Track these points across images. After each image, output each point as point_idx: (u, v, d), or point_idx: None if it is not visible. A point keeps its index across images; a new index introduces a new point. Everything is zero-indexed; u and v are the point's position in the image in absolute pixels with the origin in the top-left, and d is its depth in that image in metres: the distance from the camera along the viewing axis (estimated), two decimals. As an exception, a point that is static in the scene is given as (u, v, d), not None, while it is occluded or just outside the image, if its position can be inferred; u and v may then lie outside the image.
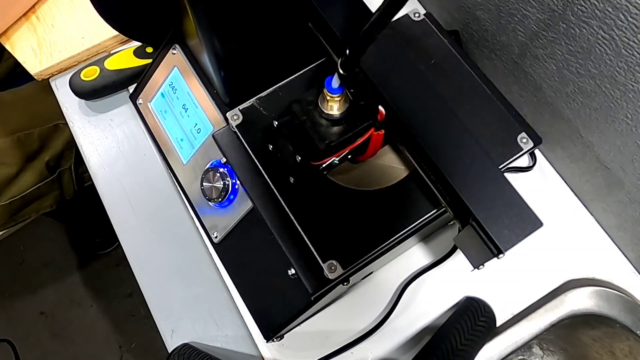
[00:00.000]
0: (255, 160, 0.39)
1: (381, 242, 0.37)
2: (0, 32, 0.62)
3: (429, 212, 0.38)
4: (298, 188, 0.38)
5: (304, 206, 0.38)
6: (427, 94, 0.35)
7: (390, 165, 0.40)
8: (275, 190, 0.38)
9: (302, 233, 0.37)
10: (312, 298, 0.38)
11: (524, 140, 0.41)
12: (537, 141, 0.41)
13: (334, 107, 0.34)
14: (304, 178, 0.38)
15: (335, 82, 0.32)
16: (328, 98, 0.33)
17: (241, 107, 0.41)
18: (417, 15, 0.46)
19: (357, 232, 0.38)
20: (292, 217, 0.37)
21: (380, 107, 0.34)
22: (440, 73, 0.44)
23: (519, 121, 0.42)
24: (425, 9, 0.62)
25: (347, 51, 0.28)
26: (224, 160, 0.42)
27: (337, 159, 0.36)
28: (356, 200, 0.39)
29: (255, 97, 0.41)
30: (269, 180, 0.39)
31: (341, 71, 0.30)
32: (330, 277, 0.36)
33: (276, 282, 0.43)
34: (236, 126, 0.40)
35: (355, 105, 0.34)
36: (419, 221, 0.38)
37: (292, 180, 0.38)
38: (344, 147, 0.35)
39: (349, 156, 0.37)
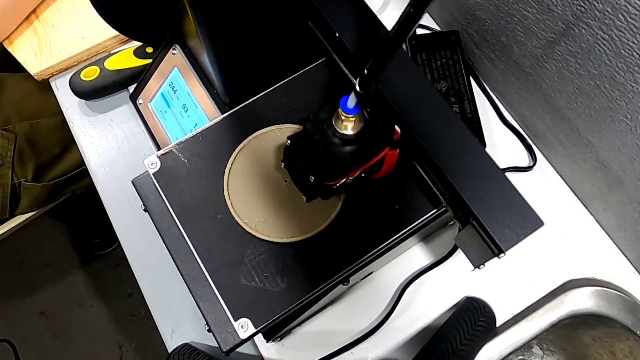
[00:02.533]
0: (171, 210, 0.38)
1: (295, 300, 0.36)
2: (4, 36, 0.62)
3: (429, 212, 0.38)
4: (211, 238, 0.38)
5: (219, 259, 0.37)
6: (428, 95, 0.35)
7: (313, 211, 0.39)
8: (189, 242, 0.38)
9: (215, 288, 0.36)
10: (224, 354, 0.37)
11: None
12: None
13: (348, 127, 0.32)
14: (197, 224, 0.38)
15: (352, 102, 0.30)
16: (343, 118, 0.31)
17: (159, 153, 0.40)
18: None
19: (273, 288, 0.37)
20: (205, 271, 0.37)
21: (396, 127, 0.33)
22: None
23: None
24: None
25: (365, 70, 0.27)
26: (143, 207, 0.41)
27: (351, 178, 0.35)
28: (271, 253, 0.38)
29: (175, 143, 0.40)
30: (182, 230, 0.38)
31: (359, 90, 0.29)
32: (241, 337, 0.35)
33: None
34: (153, 174, 0.39)
35: (371, 124, 0.33)
36: (419, 221, 0.38)
37: (304, 199, 0.37)
38: (358, 167, 0.34)
39: (363, 175, 0.36)
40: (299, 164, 0.36)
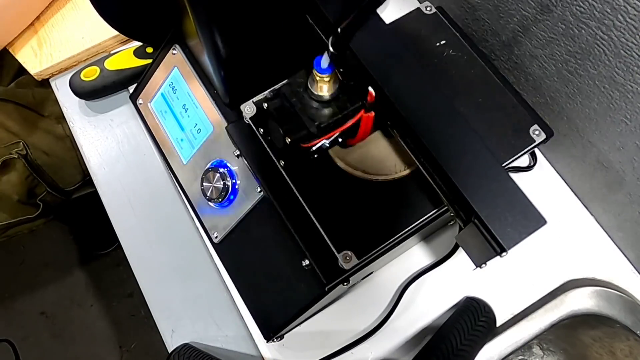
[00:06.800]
0: (269, 152, 0.40)
1: (394, 233, 0.38)
2: (5, 43, 0.62)
3: (430, 212, 0.38)
4: (310, 178, 0.39)
5: (317, 197, 0.38)
6: (423, 82, 0.34)
7: (400, 156, 0.41)
8: (289, 181, 0.39)
9: (317, 223, 0.37)
10: (326, 288, 0.38)
11: (537, 132, 0.42)
12: (549, 133, 0.41)
13: (323, 88, 0.34)
14: (294, 162, 0.39)
15: (325, 62, 0.32)
16: (317, 79, 0.33)
17: (255, 99, 0.41)
18: (428, 8, 0.47)
19: (371, 222, 0.38)
20: (307, 208, 0.38)
21: (370, 88, 0.34)
22: (454, 65, 0.45)
23: (531, 113, 0.42)
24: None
25: (339, 29, 0.29)
26: (237, 152, 0.42)
27: (327, 141, 0.36)
28: (368, 191, 0.39)
29: (269, 90, 0.41)
30: (283, 171, 0.39)
31: (331, 49, 0.30)
32: (345, 268, 0.36)
33: (276, 282, 0.43)
34: (250, 118, 0.40)
35: (346, 87, 0.35)
36: (420, 221, 0.38)
37: (282, 163, 0.38)
38: (334, 129, 0.35)
39: (340, 139, 0.37)
40: (276, 126, 0.37)
